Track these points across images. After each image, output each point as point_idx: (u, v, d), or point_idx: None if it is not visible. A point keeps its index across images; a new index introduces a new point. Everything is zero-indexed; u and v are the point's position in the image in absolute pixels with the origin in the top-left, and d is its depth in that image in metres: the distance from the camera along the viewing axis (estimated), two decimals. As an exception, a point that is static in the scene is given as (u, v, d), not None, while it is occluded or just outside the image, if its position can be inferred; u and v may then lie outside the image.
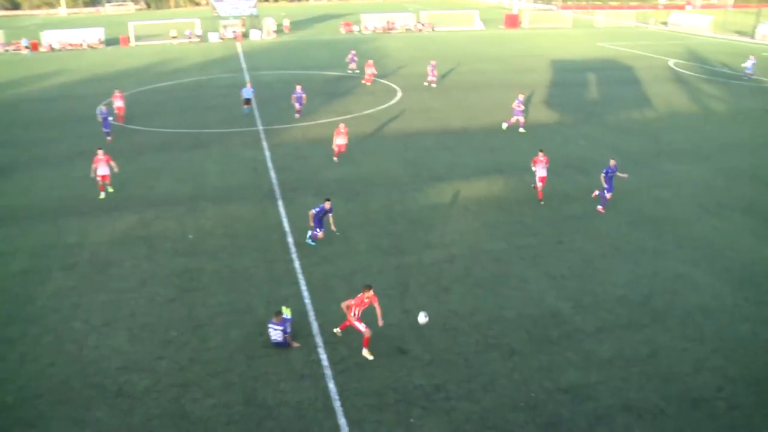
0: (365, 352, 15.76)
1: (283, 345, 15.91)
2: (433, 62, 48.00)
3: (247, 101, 38.85)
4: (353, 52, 55.97)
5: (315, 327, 16.91)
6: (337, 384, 14.75)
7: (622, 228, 23.26)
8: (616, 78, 52.88)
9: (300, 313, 17.47)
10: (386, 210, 24.63)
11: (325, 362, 15.47)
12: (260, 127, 35.44)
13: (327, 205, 21.30)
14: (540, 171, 25.14)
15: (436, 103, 42.06)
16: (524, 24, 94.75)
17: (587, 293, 18.74)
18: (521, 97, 35.64)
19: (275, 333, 15.83)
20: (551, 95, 45.54)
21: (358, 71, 53.03)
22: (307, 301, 18.20)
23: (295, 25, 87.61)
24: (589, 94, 46.45)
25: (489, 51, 66.48)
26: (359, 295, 15.70)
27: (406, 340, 16.38)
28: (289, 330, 15.92)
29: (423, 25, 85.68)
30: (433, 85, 46.97)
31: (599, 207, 24.57)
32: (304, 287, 18.89)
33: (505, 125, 35.54)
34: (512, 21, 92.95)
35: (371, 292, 15.61)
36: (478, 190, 26.71)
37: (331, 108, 39.56)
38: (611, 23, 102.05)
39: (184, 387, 14.65)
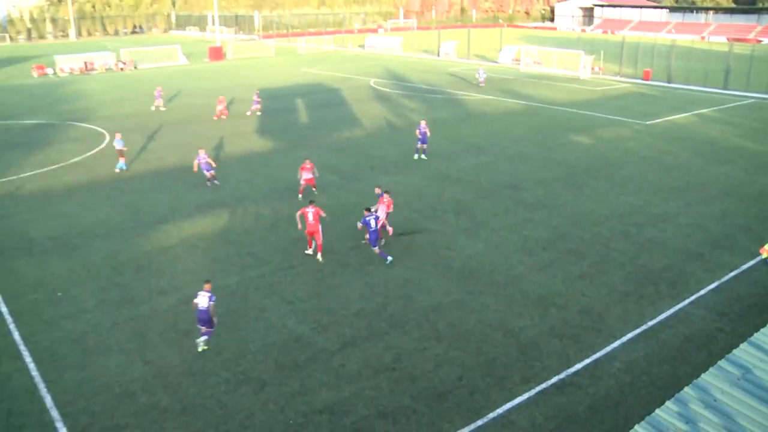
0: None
1: (205, 318, 17.00)
2: (256, 90, 50.70)
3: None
4: (159, 88, 53.31)
5: (49, 400, 15.19)
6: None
7: (347, 243, 24.21)
8: (324, 101, 55.19)
9: (27, 390, 15.62)
10: (111, 261, 23.04)
11: (62, 438, 14.01)
12: (-54, 189, 31.30)
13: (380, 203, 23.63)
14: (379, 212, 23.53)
15: (148, 143, 40.46)
16: (229, 56, 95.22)
17: (325, 312, 19.19)
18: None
19: (202, 299, 16.99)
20: (263, 123, 46.15)
21: (164, 109, 50.68)
22: (35, 373, 16.28)
23: (-25, 71, 79.28)
24: (300, 119, 47.90)
25: (196, 85, 65.66)
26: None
27: (153, 392, 15.45)
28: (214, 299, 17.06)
29: (125, 63, 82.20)
30: (256, 113, 46.82)
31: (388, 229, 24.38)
32: (29, 359, 16.88)
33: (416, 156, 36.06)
34: (216, 53, 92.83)
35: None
36: (204, 227, 26.13)
37: (33, 159, 36.12)
38: (312, 49, 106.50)
39: None
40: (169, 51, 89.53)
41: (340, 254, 23.31)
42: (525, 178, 32.40)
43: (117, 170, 34.20)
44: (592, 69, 72.91)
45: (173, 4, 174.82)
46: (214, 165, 31.42)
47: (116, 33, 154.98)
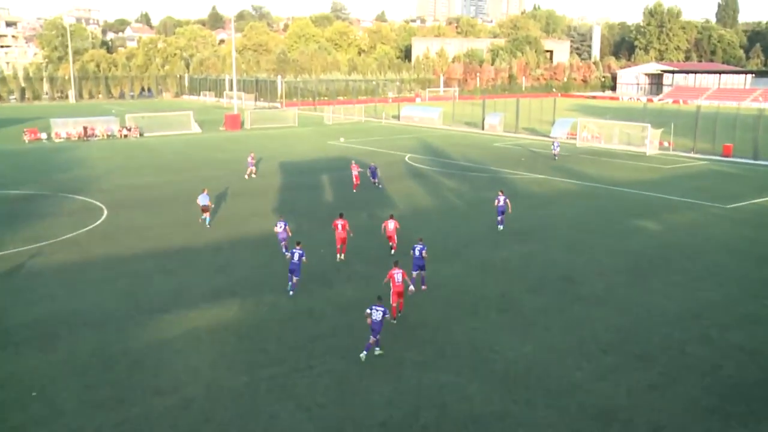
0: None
1: (377, 329, 22.09)
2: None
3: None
4: (252, 154, 57.18)
5: None
6: None
7: (376, 341, 23.99)
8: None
9: None
10: (100, 354, 23.02)
11: None
12: None
13: None
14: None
15: (151, 220, 41.13)
16: (247, 125, 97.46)
17: (347, 420, 18.89)
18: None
19: (377, 313, 21.96)
20: (282, 200, 46.72)
21: (254, 176, 55.14)
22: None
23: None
24: (324, 197, 48.44)
25: (210, 156, 67.19)
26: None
27: None
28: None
29: (129, 129, 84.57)
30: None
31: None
32: (-15, 477, 16.76)
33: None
34: (233, 122, 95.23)
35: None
36: (210, 318, 26.15)
37: (18, 236, 36.81)
38: (341, 119, 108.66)
39: None
40: (180, 117, 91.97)
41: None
42: (581, 269, 32.13)
43: (208, 226, 39.25)
44: (660, 144, 73.12)
45: (187, 66, 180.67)
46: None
47: (122, 96, 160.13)
